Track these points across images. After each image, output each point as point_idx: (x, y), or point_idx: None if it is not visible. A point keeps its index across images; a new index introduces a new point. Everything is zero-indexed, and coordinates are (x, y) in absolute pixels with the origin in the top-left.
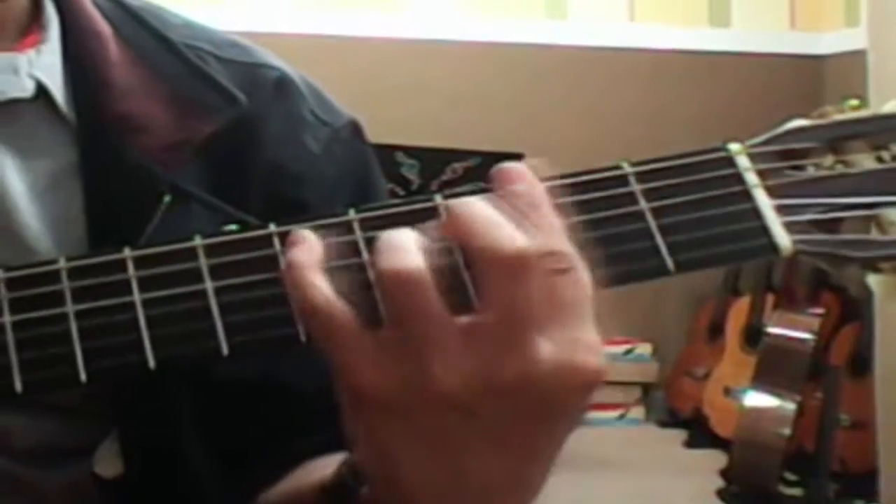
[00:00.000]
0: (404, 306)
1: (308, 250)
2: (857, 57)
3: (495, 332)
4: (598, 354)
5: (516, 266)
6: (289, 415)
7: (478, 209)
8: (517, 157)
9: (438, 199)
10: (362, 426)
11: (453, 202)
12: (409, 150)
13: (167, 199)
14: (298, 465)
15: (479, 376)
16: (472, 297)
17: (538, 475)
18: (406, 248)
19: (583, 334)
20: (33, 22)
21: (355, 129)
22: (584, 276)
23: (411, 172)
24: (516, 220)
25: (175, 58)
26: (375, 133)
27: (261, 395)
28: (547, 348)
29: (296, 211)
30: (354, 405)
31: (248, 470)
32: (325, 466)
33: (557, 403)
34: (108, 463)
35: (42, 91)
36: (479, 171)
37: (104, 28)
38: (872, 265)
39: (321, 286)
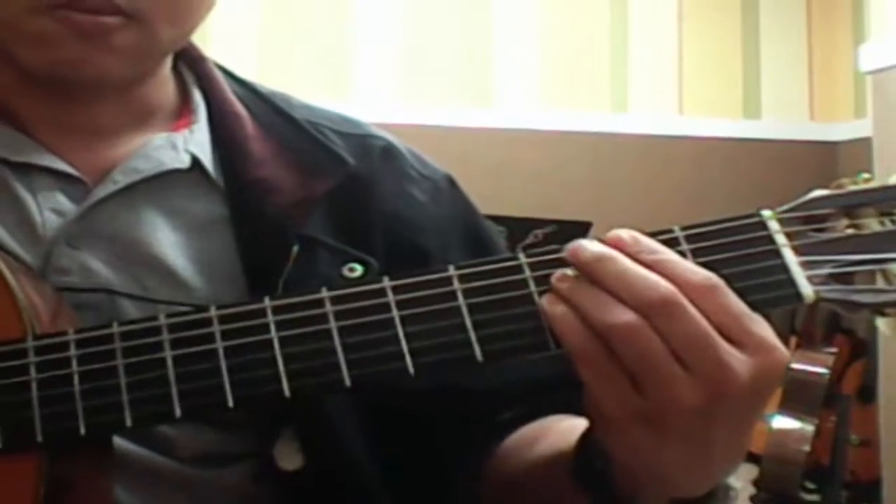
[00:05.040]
0: (640, 351)
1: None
2: (865, 143)
3: (701, 359)
4: (776, 346)
5: (670, 305)
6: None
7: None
8: (587, 224)
9: (521, 256)
10: (620, 435)
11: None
12: (499, 219)
13: (296, 247)
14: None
15: (713, 390)
16: None
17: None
18: (615, 304)
19: (760, 331)
20: (184, 107)
21: (450, 180)
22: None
23: (500, 237)
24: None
25: (298, 132)
26: None
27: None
28: (740, 357)
29: (416, 254)
30: (610, 420)
31: (404, 462)
32: (536, 445)
33: (763, 394)
34: (289, 458)
35: (196, 162)
36: (556, 236)
37: (241, 110)
38: (880, 310)
39: (592, 337)
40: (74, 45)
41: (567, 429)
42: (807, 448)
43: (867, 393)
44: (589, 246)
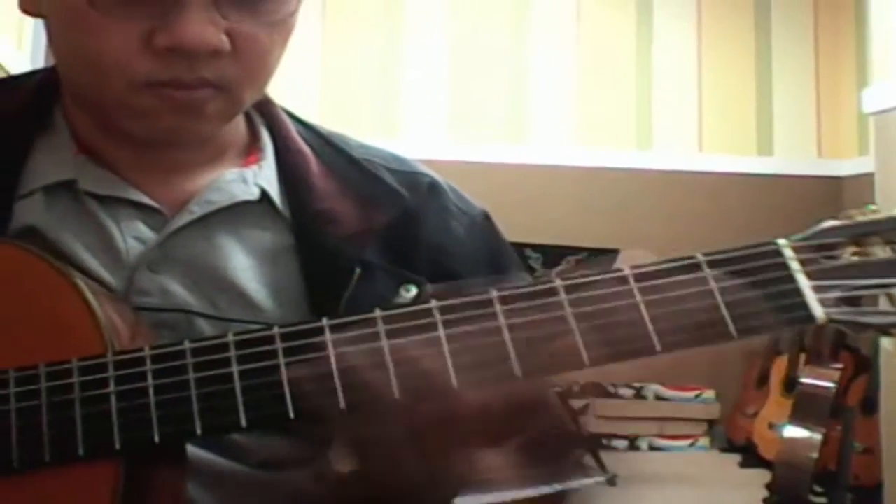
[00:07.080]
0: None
1: None
2: (868, 178)
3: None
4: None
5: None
6: None
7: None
8: (615, 251)
9: (557, 280)
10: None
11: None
12: (535, 247)
13: (357, 271)
14: None
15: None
16: None
17: None
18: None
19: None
20: (252, 145)
21: (486, 216)
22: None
23: (536, 263)
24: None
25: (356, 168)
26: (509, 234)
27: None
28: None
29: (451, 279)
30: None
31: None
32: None
33: None
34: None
35: (264, 195)
36: (587, 261)
37: (305, 148)
38: (886, 330)
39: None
40: (173, 117)
41: None
42: (815, 455)
43: (870, 405)
44: None
